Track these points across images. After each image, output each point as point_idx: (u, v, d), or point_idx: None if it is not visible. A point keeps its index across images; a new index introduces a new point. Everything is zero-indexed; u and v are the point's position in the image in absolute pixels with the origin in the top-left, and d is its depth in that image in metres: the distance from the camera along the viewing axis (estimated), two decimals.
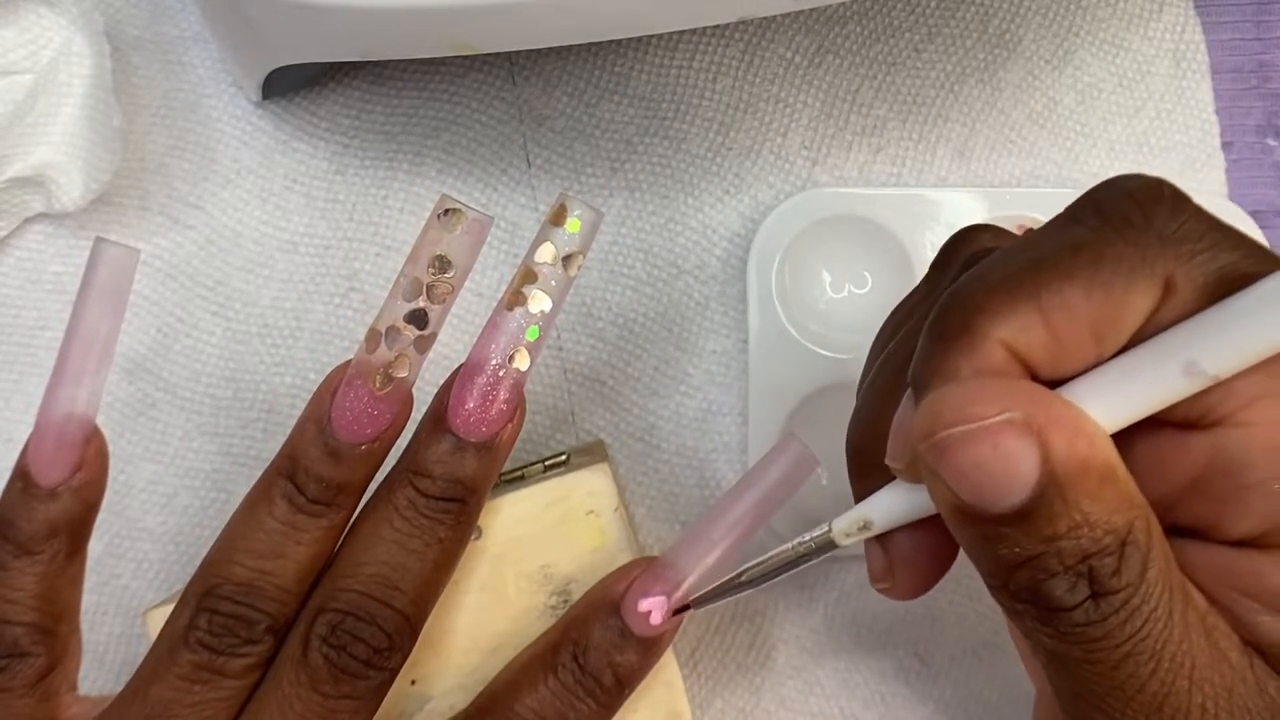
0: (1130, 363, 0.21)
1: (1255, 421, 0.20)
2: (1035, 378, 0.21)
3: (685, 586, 0.28)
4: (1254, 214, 0.39)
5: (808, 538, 0.25)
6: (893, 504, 0.24)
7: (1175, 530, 0.22)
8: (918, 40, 0.41)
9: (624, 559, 0.31)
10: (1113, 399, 0.21)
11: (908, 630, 0.39)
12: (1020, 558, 0.20)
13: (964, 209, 0.38)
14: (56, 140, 0.38)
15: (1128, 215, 0.21)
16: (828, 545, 0.25)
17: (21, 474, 0.27)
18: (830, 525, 0.25)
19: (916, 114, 0.41)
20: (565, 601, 0.31)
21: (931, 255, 0.38)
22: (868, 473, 0.25)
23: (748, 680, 0.39)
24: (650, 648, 0.28)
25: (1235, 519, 0.21)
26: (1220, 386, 0.20)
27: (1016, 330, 0.21)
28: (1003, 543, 0.20)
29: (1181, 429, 0.21)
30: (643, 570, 0.28)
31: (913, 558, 0.24)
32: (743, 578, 0.26)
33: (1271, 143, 0.41)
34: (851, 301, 0.39)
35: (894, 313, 0.28)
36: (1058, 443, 0.19)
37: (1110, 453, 0.20)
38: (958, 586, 0.39)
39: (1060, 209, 0.24)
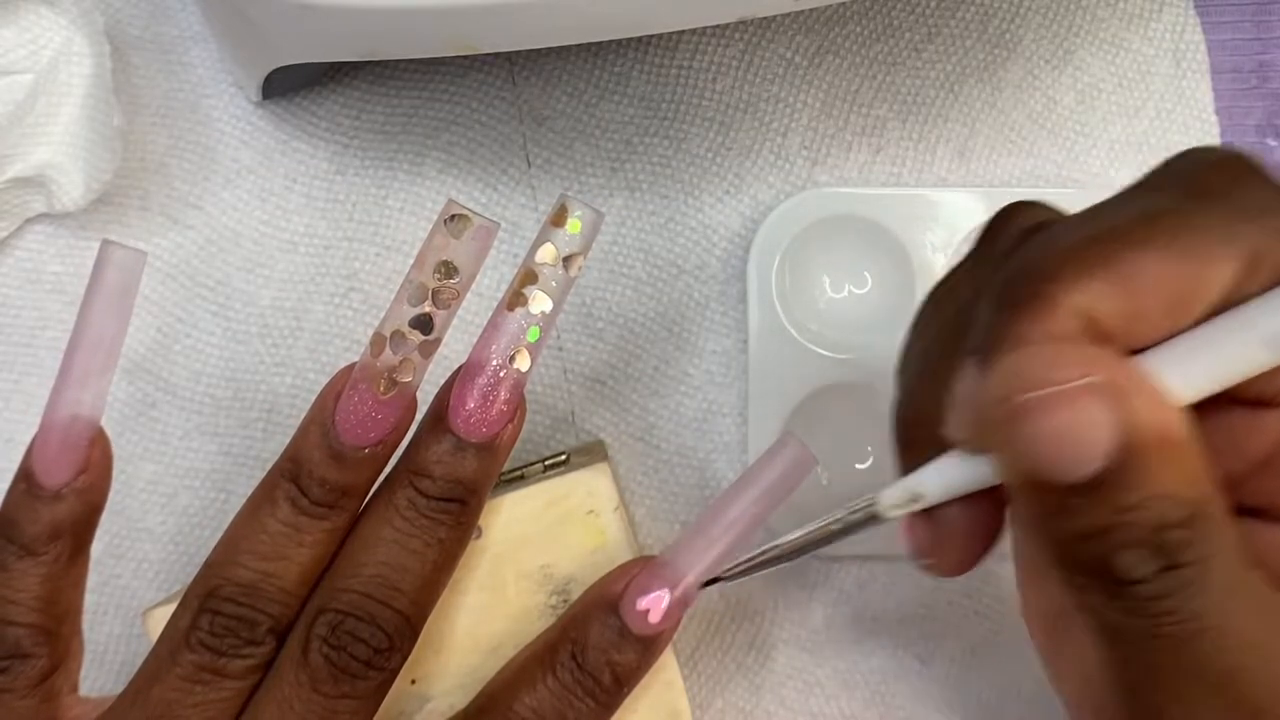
0: (1208, 334, 0.20)
1: None
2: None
3: (684, 585, 0.28)
4: None
5: (853, 507, 0.24)
6: (945, 476, 0.23)
7: (1242, 509, 0.21)
8: (918, 40, 0.41)
9: (624, 559, 0.31)
10: (1189, 370, 0.20)
11: (908, 630, 0.39)
12: (1091, 529, 0.19)
13: (964, 209, 0.38)
14: (57, 140, 0.38)
15: (1210, 185, 0.20)
16: (872, 518, 0.24)
17: (26, 475, 0.27)
18: (877, 497, 0.24)
19: (916, 114, 0.41)
20: (565, 601, 0.31)
21: (932, 255, 0.38)
22: (916, 447, 0.24)
23: (748, 680, 0.39)
24: (649, 646, 0.28)
25: None
26: None
27: (1092, 298, 0.20)
28: (1072, 514, 0.20)
29: (1253, 407, 0.21)
30: (641, 569, 0.28)
31: (961, 533, 0.24)
32: (778, 550, 0.26)
33: (1271, 143, 0.41)
34: (851, 301, 0.39)
35: (936, 288, 0.27)
36: (1139, 410, 0.19)
37: (1186, 425, 0.20)
38: (958, 586, 0.39)
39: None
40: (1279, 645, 0.20)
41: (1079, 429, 0.19)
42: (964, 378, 0.22)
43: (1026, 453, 0.20)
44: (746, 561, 0.27)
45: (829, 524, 0.25)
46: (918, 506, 0.24)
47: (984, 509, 0.23)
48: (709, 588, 0.28)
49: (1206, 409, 0.21)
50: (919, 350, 0.26)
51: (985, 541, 0.24)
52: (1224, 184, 0.20)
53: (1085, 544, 0.20)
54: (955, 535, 0.24)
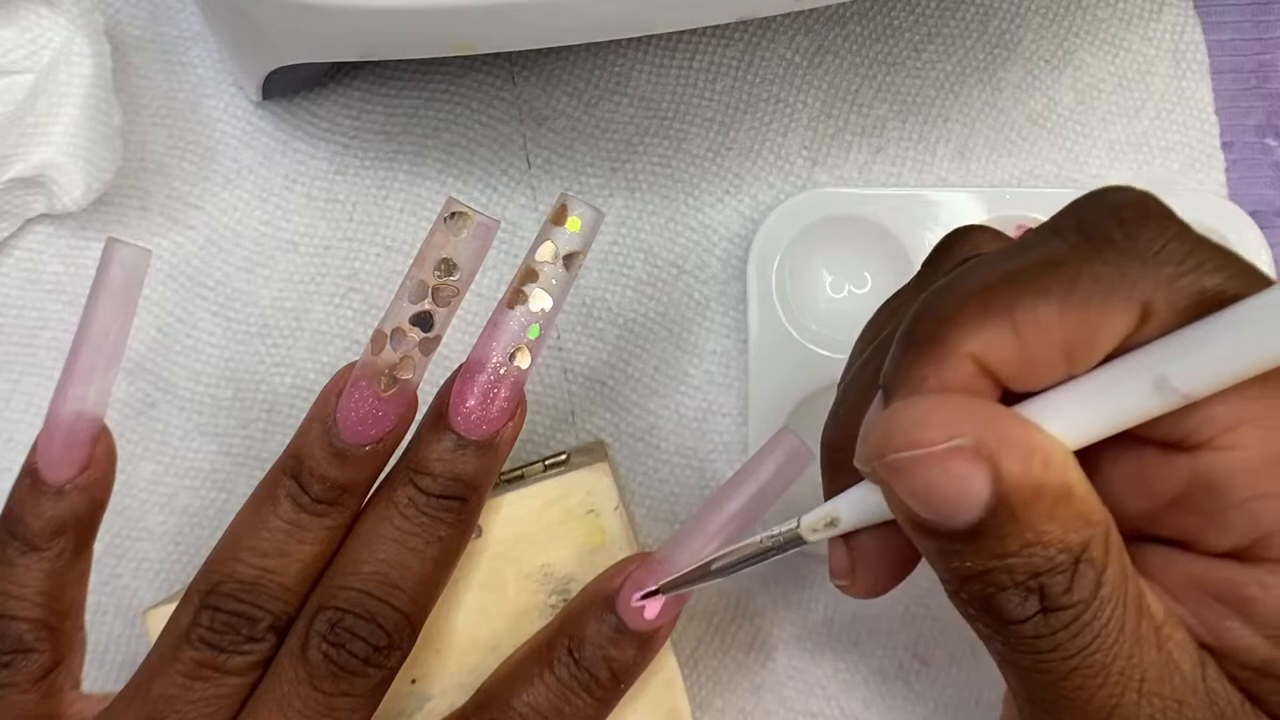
0: (1100, 379, 0.21)
1: (1237, 445, 0.20)
2: (1005, 390, 0.21)
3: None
4: (1254, 214, 0.39)
5: (776, 531, 0.25)
6: (860, 503, 0.24)
7: (1156, 540, 0.22)
8: (918, 40, 0.41)
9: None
10: (1080, 414, 0.21)
11: (908, 630, 0.39)
12: (972, 571, 0.20)
13: (964, 209, 0.38)
14: (57, 140, 0.38)
15: (1109, 233, 0.21)
16: (795, 540, 0.25)
17: (30, 471, 0.28)
18: (799, 521, 0.25)
19: (916, 114, 0.41)
20: (565, 600, 0.31)
21: None
22: (841, 470, 0.25)
23: (748, 680, 0.39)
24: (646, 643, 0.28)
25: (1217, 535, 0.21)
26: (1202, 411, 0.20)
27: (986, 344, 0.21)
28: (955, 556, 0.20)
29: (1165, 449, 0.21)
30: (638, 565, 0.28)
31: (875, 558, 0.25)
32: (712, 566, 0.26)
33: (1271, 143, 0.41)
34: (851, 301, 0.39)
35: (882, 308, 0.28)
36: (1009, 466, 0.20)
37: (1068, 472, 0.20)
38: None
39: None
40: (1162, 678, 0.20)
41: (950, 485, 0.20)
42: (871, 410, 0.23)
43: (905, 501, 0.20)
44: (682, 577, 0.27)
45: (759, 542, 0.25)
46: (834, 532, 0.24)
47: (899, 537, 0.24)
48: (648, 599, 0.28)
49: (1120, 448, 0.22)
50: (852, 374, 0.26)
51: (899, 569, 0.25)
52: (1125, 231, 0.21)
53: (968, 584, 0.21)
54: (868, 560, 0.25)
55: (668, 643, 0.30)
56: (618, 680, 0.28)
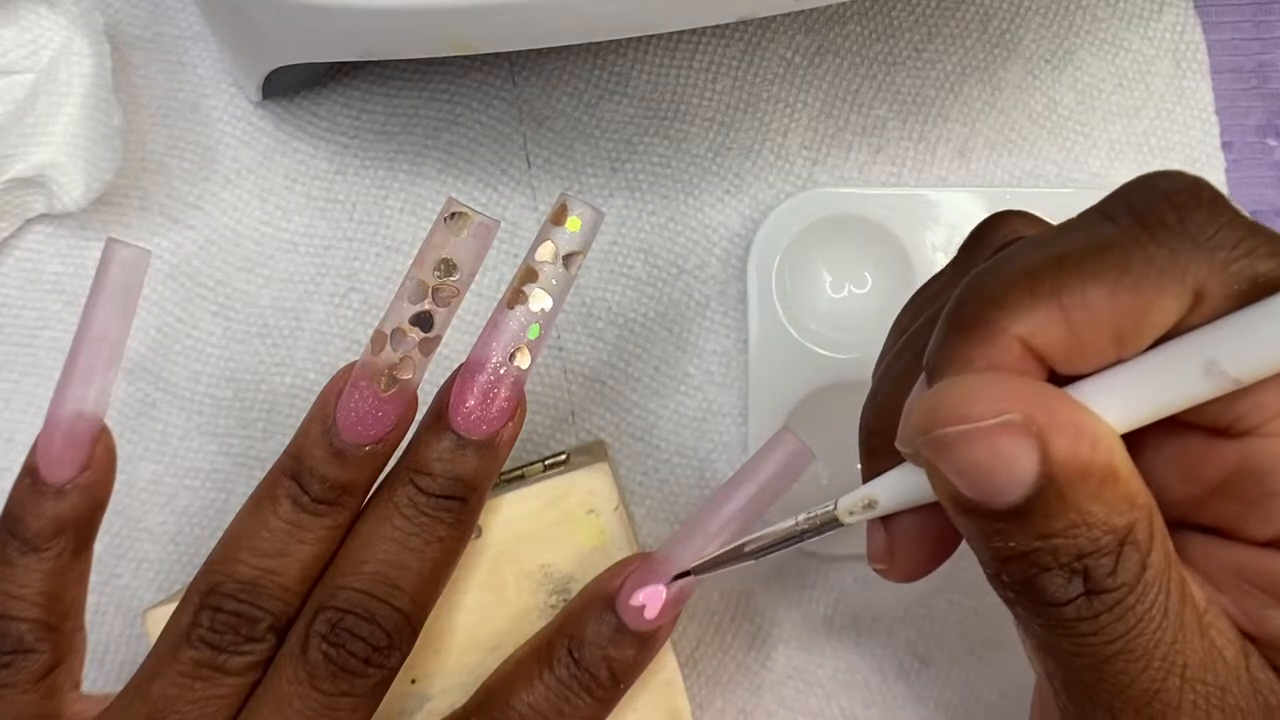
0: (1150, 362, 0.20)
1: None
2: (1053, 373, 0.21)
3: (680, 581, 0.28)
4: (1254, 214, 0.39)
5: (813, 513, 0.25)
6: (900, 486, 0.23)
7: (1199, 528, 0.22)
8: (918, 40, 0.41)
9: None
10: (1128, 397, 0.20)
11: (908, 630, 0.39)
12: (1015, 551, 0.20)
13: (964, 209, 0.38)
14: (57, 140, 0.38)
15: (1162, 216, 0.20)
16: (832, 522, 0.24)
17: (30, 471, 0.28)
18: (836, 503, 0.24)
19: (916, 114, 0.41)
20: (565, 601, 0.31)
21: (932, 255, 0.38)
22: (879, 454, 0.25)
23: (748, 680, 0.39)
24: (646, 643, 0.28)
25: (1260, 523, 0.21)
26: (1250, 397, 0.20)
27: (1034, 327, 0.20)
28: (999, 536, 0.20)
29: (1211, 435, 0.21)
30: (638, 565, 0.28)
31: (914, 541, 0.24)
32: (745, 549, 0.26)
33: (1271, 143, 0.41)
34: (851, 301, 0.39)
35: (916, 294, 0.27)
36: (1058, 444, 0.19)
37: (1115, 453, 0.20)
38: (958, 586, 0.39)
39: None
40: (1205, 665, 0.20)
41: (997, 463, 0.20)
42: (914, 392, 0.23)
43: (950, 479, 0.20)
44: (714, 559, 0.27)
45: (793, 525, 0.25)
46: (872, 514, 0.24)
47: (938, 521, 0.24)
48: (678, 582, 0.28)
49: (1165, 434, 0.22)
50: (890, 356, 0.26)
51: (938, 552, 0.25)
52: (1178, 215, 0.20)
53: (1011, 564, 0.20)
54: (907, 543, 0.25)
55: (668, 643, 0.30)
56: (617, 680, 0.28)
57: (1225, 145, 0.41)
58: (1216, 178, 0.40)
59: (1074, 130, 0.41)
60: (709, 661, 0.39)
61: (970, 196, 0.39)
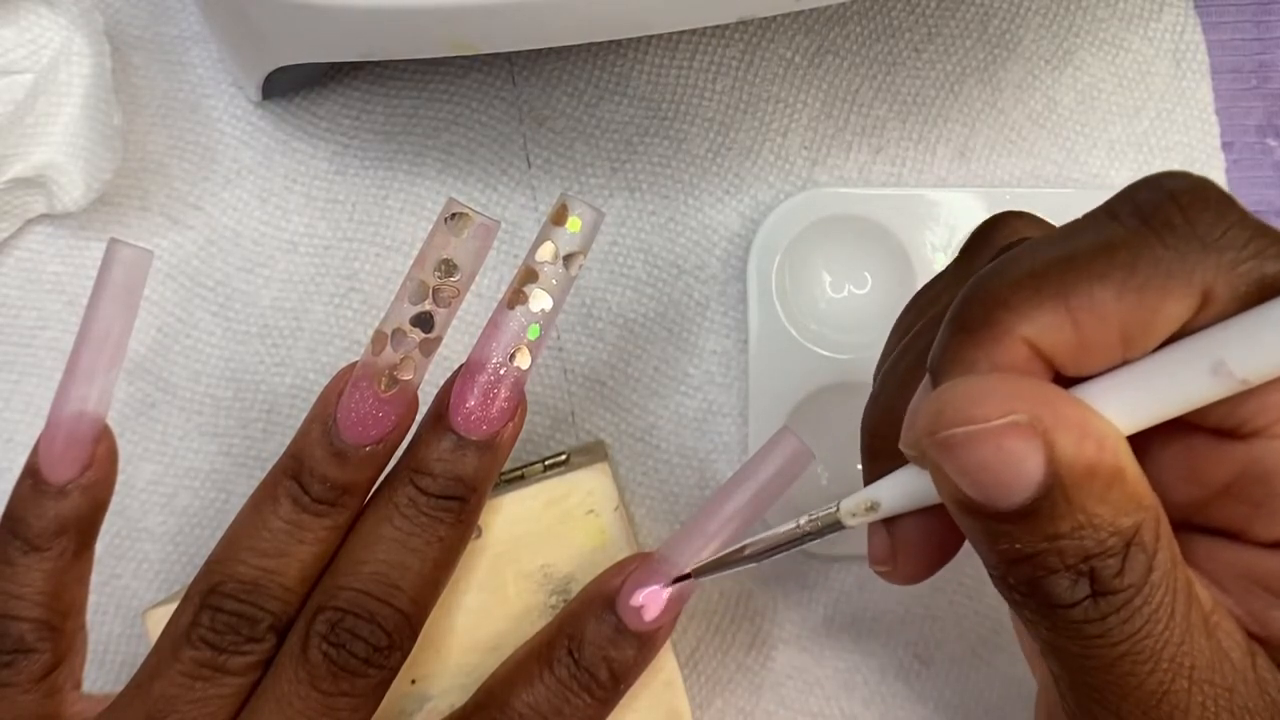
0: (1156, 363, 0.20)
1: None
2: (1058, 375, 0.21)
3: (681, 582, 0.28)
4: (1254, 214, 0.39)
5: (815, 515, 0.25)
6: (903, 488, 0.23)
7: (1204, 530, 0.22)
8: (918, 40, 0.41)
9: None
10: (1134, 399, 0.20)
11: (908, 630, 0.39)
12: (1021, 553, 0.20)
13: (964, 209, 0.38)
14: (57, 140, 0.38)
15: (1169, 218, 0.20)
16: (834, 525, 0.25)
17: (31, 471, 0.28)
18: (838, 505, 0.24)
19: (916, 114, 0.41)
20: (565, 601, 0.31)
21: (932, 255, 0.38)
22: (881, 456, 0.25)
23: (748, 680, 0.39)
24: (646, 643, 0.28)
25: (1266, 524, 0.21)
26: (1257, 399, 0.20)
27: (1041, 328, 0.20)
28: (1004, 538, 0.20)
29: (1218, 436, 0.21)
30: (638, 565, 0.28)
31: (916, 544, 0.24)
32: (746, 551, 0.26)
33: (1271, 143, 0.41)
34: (851, 301, 0.39)
35: (918, 296, 0.27)
36: (1064, 445, 0.19)
37: (1121, 454, 0.20)
38: (958, 586, 0.39)
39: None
40: (1213, 665, 0.20)
41: (1003, 463, 0.19)
42: (918, 394, 0.23)
43: (956, 481, 0.20)
44: (715, 561, 0.27)
45: (796, 528, 0.25)
46: (875, 517, 0.24)
47: (940, 523, 0.24)
48: (677, 584, 0.28)
49: (1171, 435, 0.22)
50: (893, 358, 0.26)
51: (940, 555, 0.25)
52: (1185, 216, 0.20)
53: (1017, 566, 0.20)
54: (910, 546, 0.25)
55: (668, 643, 0.30)
56: (617, 680, 0.28)
57: (1225, 145, 0.41)
58: (1217, 178, 0.40)
59: (1074, 130, 0.41)
60: (709, 662, 0.39)
61: (970, 196, 0.39)
